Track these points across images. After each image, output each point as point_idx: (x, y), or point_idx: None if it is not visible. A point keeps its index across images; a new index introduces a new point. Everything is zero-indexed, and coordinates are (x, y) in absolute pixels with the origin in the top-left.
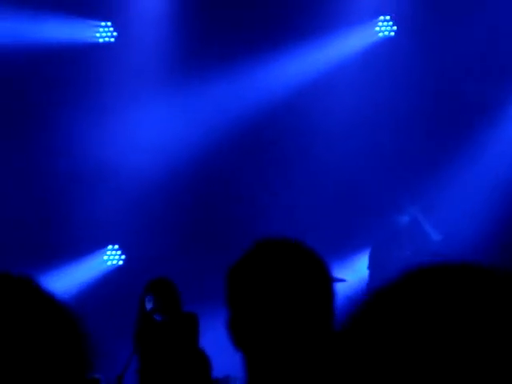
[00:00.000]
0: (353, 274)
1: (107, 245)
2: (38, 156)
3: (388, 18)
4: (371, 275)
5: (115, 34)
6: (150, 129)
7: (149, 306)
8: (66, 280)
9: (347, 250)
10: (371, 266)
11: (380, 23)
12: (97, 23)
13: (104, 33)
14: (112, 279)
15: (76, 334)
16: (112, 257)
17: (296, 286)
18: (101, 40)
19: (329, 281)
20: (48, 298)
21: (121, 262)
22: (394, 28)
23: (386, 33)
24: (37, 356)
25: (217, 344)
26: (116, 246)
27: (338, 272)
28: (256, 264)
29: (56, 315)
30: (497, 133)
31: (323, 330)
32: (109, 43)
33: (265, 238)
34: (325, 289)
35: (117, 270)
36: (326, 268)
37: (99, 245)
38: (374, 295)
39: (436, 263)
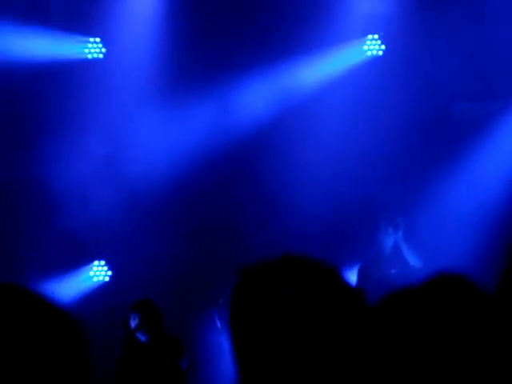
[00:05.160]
0: None
1: (93, 260)
2: (23, 171)
3: (376, 36)
4: None
5: (104, 50)
6: (139, 144)
7: (133, 324)
8: (52, 295)
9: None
10: (359, 285)
11: (368, 42)
12: (86, 39)
13: (93, 49)
14: (98, 295)
15: (77, 337)
16: (98, 273)
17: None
18: (89, 56)
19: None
20: (49, 305)
21: (107, 278)
22: (383, 47)
23: (375, 52)
24: (40, 360)
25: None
26: (102, 262)
27: None
28: (273, 284)
29: (57, 320)
30: (485, 152)
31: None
32: (98, 59)
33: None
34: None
35: (103, 286)
36: (361, 302)
37: (85, 260)
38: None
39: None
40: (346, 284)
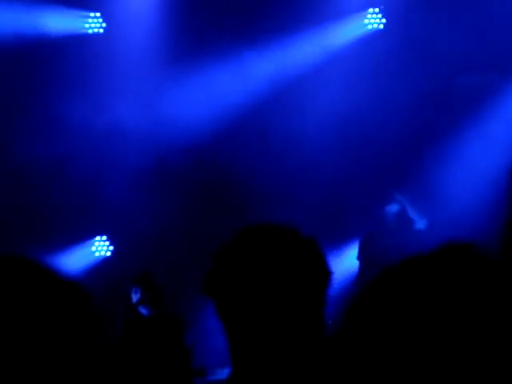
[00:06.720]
0: (343, 265)
1: (95, 235)
2: (25, 146)
3: (377, 10)
4: (361, 266)
5: (104, 24)
6: (138, 121)
7: (135, 297)
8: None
9: (338, 240)
10: (360, 257)
11: (369, 15)
12: (86, 14)
13: (93, 23)
14: (100, 270)
15: (85, 308)
16: (100, 248)
17: (289, 278)
18: (90, 31)
19: (326, 273)
20: (55, 276)
21: (108, 253)
22: (383, 21)
23: (375, 25)
24: (51, 331)
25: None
26: (104, 237)
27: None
28: (245, 251)
29: (65, 291)
30: (485, 128)
31: (315, 325)
32: (98, 34)
33: (256, 223)
34: (321, 281)
35: (104, 261)
36: (325, 260)
37: (87, 235)
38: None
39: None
40: (311, 246)
